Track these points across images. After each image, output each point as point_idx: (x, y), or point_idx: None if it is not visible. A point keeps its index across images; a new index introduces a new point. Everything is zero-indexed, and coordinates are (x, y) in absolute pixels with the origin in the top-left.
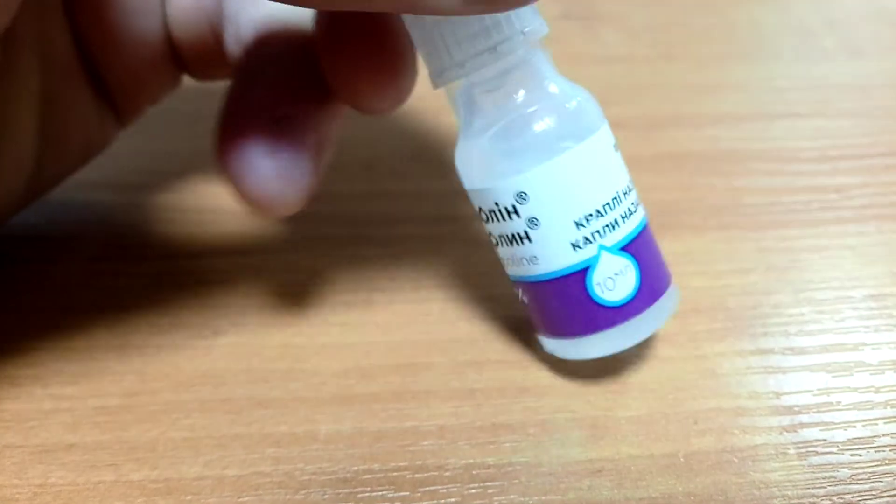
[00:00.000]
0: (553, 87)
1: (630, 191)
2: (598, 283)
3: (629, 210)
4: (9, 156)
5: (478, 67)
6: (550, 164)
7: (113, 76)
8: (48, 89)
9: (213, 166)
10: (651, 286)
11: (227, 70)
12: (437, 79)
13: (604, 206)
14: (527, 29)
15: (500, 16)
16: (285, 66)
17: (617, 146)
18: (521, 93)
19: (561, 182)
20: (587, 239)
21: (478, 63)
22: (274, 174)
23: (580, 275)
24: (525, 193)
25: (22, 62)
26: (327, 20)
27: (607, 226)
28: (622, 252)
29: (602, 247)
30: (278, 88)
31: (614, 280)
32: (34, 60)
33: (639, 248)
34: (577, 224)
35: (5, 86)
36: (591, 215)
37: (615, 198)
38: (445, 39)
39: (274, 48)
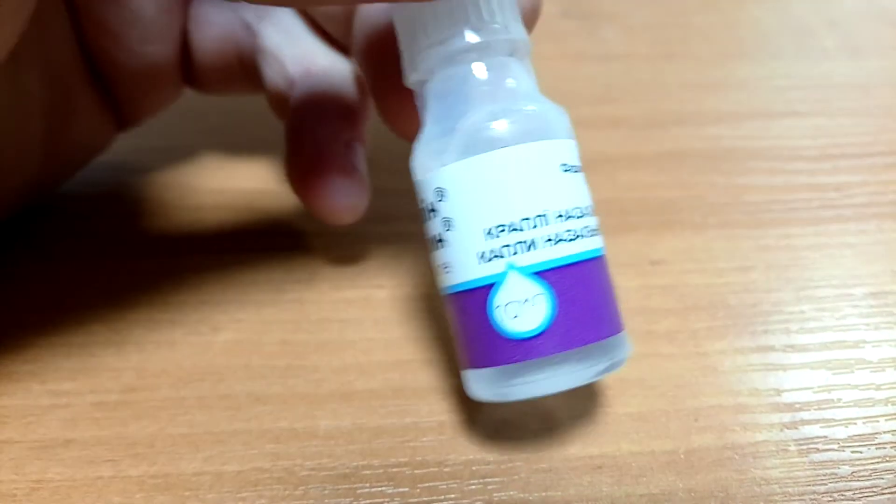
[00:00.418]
0: (518, 86)
1: (572, 218)
2: (500, 307)
3: (562, 235)
4: (13, 163)
5: (430, 62)
6: (470, 161)
7: (120, 91)
8: (54, 99)
9: (215, 163)
10: (571, 328)
11: (236, 89)
12: (405, 74)
13: (522, 221)
14: (485, 30)
15: (449, 19)
16: (335, 96)
17: (574, 171)
18: (475, 93)
19: (476, 182)
20: (495, 252)
21: (429, 56)
22: (351, 189)
23: (483, 292)
24: (443, 190)
25: (27, 74)
26: (365, 55)
27: (522, 243)
28: (535, 277)
29: (511, 265)
30: (340, 116)
31: (520, 307)
32: (39, 72)
33: (563, 279)
34: (487, 233)
35: (11, 97)
36: (503, 226)
37: (541, 215)
38: (409, 36)
39: (321, 82)
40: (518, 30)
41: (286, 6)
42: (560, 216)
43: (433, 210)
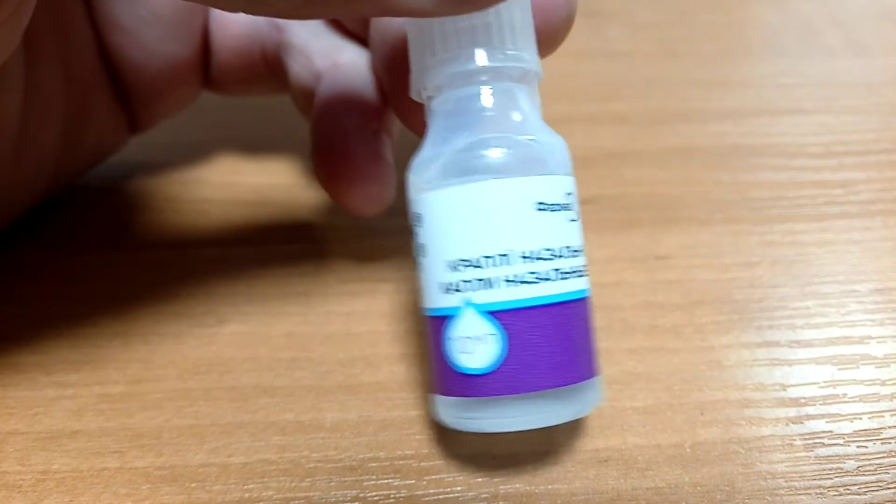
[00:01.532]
0: (516, 116)
1: (541, 260)
2: (453, 339)
3: (524, 277)
4: (32, 163)
5: (437, 80)
6: (442, 192)
7: (137, 92)
8: (71, 102)
9: (222, 157)
10: (521, 373)
11: (255, 89)
12: (412, 87)
13: (483, 259)
14: (495, 55)
15: (455, 37)
16: (362, 86)
17: (555, 209)
18: (473, 119)
19: (446, 214)
20: (454, 286)
21: (436, 74)
22: (378, 179)
23: (441, 322)
24: (420, 216)
25: (47, 76)
26: (385, 63)
27: (480, 280)
28: (489, 317)
29: (468, 301)
30: (367, 107)
31: (471, 343)
32: (58, 74)
33: (518, 323)
34: (449, 266)
35: (32, 100)
36: (464, 262)
37: (504, 255)
38: (420, 51)
39: (348, 73)
40: (530, 58)
41: (312, 18)
42: (525, 257)
43: (415, 233)
